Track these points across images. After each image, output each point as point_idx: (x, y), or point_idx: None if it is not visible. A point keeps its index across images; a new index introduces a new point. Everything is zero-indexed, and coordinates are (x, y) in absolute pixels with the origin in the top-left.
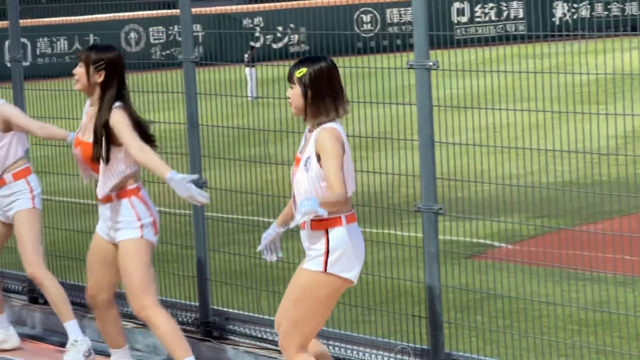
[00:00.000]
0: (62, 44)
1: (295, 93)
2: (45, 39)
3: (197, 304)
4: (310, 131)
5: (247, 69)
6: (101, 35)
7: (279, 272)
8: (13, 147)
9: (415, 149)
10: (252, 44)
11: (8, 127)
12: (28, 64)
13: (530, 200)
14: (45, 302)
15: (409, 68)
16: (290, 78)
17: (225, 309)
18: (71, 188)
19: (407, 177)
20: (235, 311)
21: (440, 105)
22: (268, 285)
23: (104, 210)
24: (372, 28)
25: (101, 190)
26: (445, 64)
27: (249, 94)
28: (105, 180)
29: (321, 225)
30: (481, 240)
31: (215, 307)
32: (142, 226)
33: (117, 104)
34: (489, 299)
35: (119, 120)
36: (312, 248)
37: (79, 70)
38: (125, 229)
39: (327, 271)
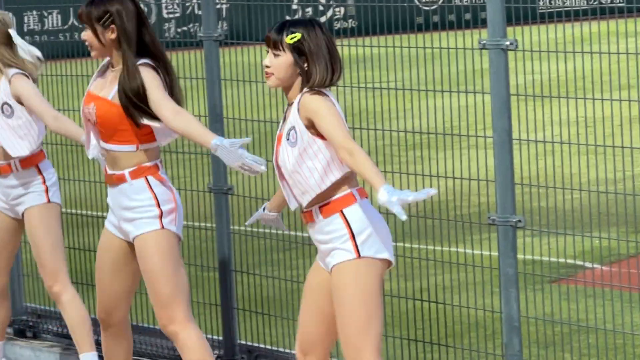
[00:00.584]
0: (54, 19)
1: (282, 62)
2: (34, 12)
3: (221, 338)
4: (291, 104)
5: None
6: None
7: None
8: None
9: (489, 147)
10: (287, 19)
11: (21, 103)
12: None
13: (630, 211)
14: (35, 336)
15: (481, 49)
16: (275, 44)
17: (255, 344)
18: (69, 197)
19: (479, 182)
20: (267, 347)
21: (520, 94)
22: None
23: (115, 195)
24: (435, 0)
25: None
26: (526, 44)
27: None
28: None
29: (332, 208)
30: (569, 261)
31: (243, 342)
32: (161, 215)
33: (142, 60)
34: (579, 332)
35: (148, 79)
36: (332, 238)
37: (87, 34)
38: (140, 219)
39: (362, 255)
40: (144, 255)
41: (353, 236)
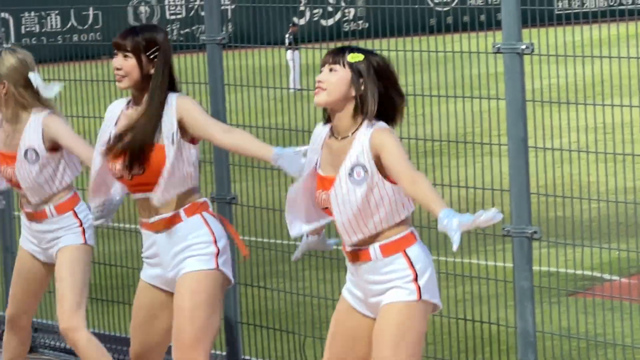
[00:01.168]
0: (53, 21)
1: (339, 78)
2: (32, 13)
3: (224, 353)
4: (339, 137)
5: (289, 53)
6: (103, 10)
7: (329, 312)
8: (60, 172)
9: (504, 155)
10: (294, 20)
11: (54, 146)
12: (9, 46)
13: None
14: (31, 350)
15: (496, 52)
16: (335, 60)
17: None
18: None
19: (493, 191)
20: None
21: (536, 99)
22: (314, 329)
23: (164, 240)
24: (449, 1)
25: (163, 201)
26: (542, 47)
27: (291, 85)
28: (167, 190)
29: (394, 247)
30: (587, 273)
31: (247, 358)
32: (217, 253)
33: (176, 93)
34: (597, 347)
35: (190, 106)
36: (392, 278)
37: (129, 63)
38: (195, 257)
39: (422, 298)
40: (185, 291)
41: (416, 277)
